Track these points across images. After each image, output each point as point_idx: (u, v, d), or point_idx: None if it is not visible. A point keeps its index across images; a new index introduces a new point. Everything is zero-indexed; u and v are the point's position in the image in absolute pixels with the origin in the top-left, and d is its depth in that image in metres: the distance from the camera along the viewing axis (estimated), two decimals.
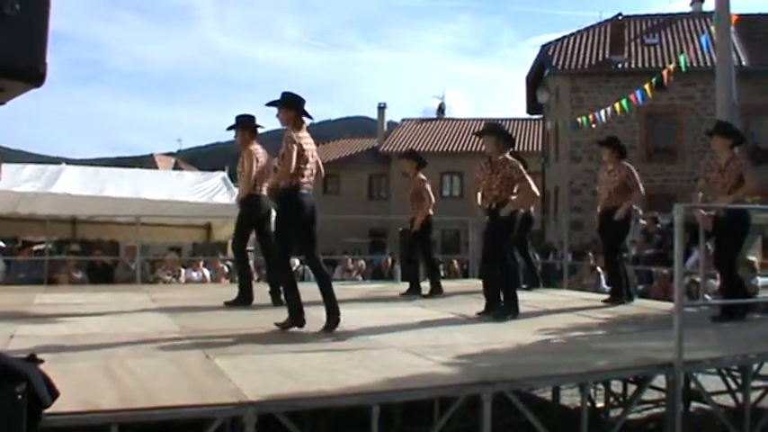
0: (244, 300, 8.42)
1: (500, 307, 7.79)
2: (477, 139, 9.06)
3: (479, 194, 8.04)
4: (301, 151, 6.82)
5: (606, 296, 9.56)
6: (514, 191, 7.81)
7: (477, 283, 9.37)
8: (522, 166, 7.88)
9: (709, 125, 8.61)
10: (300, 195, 6.82)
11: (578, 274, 14.66)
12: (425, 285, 10.21)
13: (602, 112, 20.90)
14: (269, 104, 6.98)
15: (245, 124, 8.65)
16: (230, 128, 8.71)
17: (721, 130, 8.10)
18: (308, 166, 6.90)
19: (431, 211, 10.21)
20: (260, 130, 8.73)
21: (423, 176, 10.28)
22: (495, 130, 8.11)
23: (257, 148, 8.54)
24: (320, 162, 7.19)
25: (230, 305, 8.35)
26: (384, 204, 41.52)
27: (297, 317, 6.72)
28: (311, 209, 6.90)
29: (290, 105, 6.95)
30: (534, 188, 8.05)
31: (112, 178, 14.64)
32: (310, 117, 7.08)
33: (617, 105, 19.72)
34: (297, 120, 6.95)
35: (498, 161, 7.84)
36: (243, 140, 8.60)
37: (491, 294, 7.95)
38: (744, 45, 28.15)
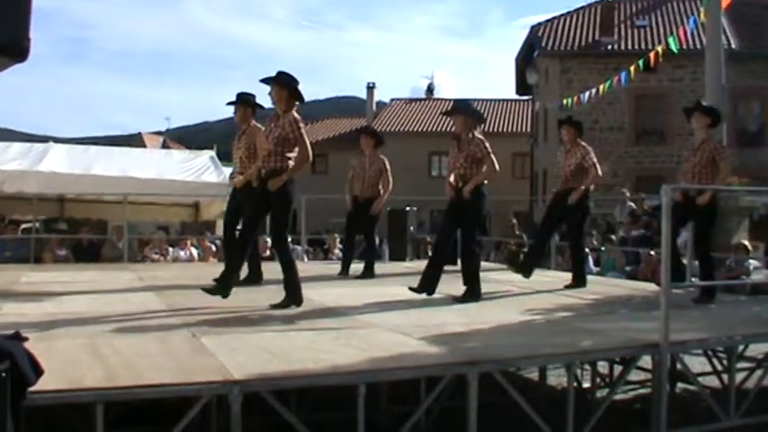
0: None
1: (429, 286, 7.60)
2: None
3: (450, 174, 7.90)
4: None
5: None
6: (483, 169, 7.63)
7: None
8: (487, 144, 7.65)
9: (687, 105, 8.45)
10: (293, 181, 6.94)
11: (566, 254, 14.67)
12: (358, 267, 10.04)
13: (587, 93, 20.89)
14: (263, 81, 6.95)
15: (246, 101, 8.65)
16: (231, 103, 8.69)
17: (702, 108, 8.04)
18: None
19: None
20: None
21: (383, 156, 10.14)
22: (463, 109, 7.95)
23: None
24: None
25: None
26: None
27: (296, 296, 6.83)
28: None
29: (286, 85, 6.91)
30: (496, 166, 7.65)
31: (100, 157, 14.56)
32: (302, 100, 7.03)
33: (601, 87, 19.71)
34: (290, 100, 6.93)
35: (464, 139, 7.68)
36: (244, 117, 8.60)
37: (433, 275, 7.67)
38: (734, 28, 28.14)
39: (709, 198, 7.53)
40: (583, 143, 9.02)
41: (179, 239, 14.58)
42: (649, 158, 29.03)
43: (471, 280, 7.71)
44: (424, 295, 7.52)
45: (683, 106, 8.68)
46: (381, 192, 10.04)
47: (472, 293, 7.61)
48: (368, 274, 9.88)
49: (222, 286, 6.75)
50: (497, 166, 7.63)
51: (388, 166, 10.09)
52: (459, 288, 7.72)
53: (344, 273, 9.98)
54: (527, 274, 8.97)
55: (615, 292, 8.78)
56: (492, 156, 7.58)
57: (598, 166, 8.85)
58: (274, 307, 6.71)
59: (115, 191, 12.52)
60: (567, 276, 10.18)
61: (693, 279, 8.30)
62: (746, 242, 12.06)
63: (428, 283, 7.63)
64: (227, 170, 15.43)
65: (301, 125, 6.86)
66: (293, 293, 6.84)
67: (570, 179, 8.88)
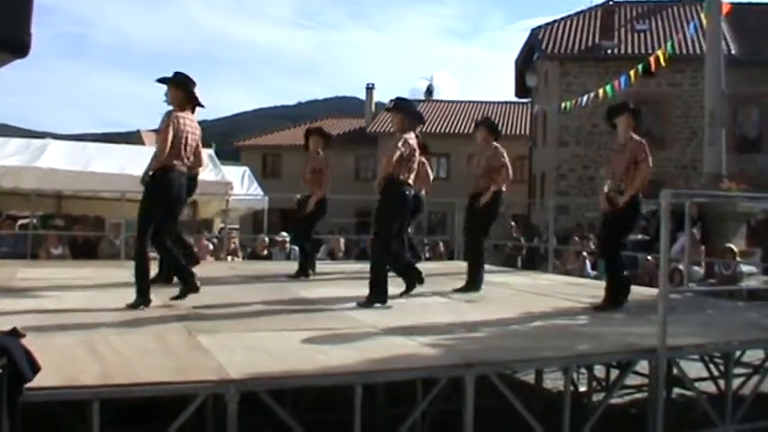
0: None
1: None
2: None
3: None
4: (178, 132, 6.71)
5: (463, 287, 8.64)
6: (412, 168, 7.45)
7: (461, 265, 9.37)
8: (403, 142, 7.31)
9: (610, 111, 8.03)
10: (169, 176, 6.70)
11: (563, 258, 14.70)
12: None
13: (585, 97, 20.89)
14: (159, 80, 6.86)
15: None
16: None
17: (619, 110, 7.66)
18: (186, 148, 6.80)
19: (327, 194, 9.81)
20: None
21: (323, 154, 9.86)
22: (404, 108, 7.74)
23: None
24: (201, 150, 7.05)
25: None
26: (370, 185, 41.21)
27: (145, 295, 6.66)
28: (179, 190, 6.82)
29: (180, 85, 6.84)
30: (384, 162, 7.33)
31: (98, 154, 14.53)
32: (201, 105, 6.95)
33: (600, 91, 19.73)
34: (183, 102, 6.85)
35: (395, 137, 7.45)
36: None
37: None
38: (734, 34, 28.17)
39: (628, 200, 7.38)
40: (495, 144, 8.76)
41: None
42: None
43: (373, 283, 7.28)
44: (431, 297, 7.55)
45: (609, 105, 8.48)
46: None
47: (374, 298, 7.19)
48: (300, 273, 9.58)
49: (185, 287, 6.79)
50: (385, 164, 7.32)
51: (322, 165, 9.78)
52: (445, 288, 7.68)
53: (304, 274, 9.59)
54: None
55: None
56: (394, 154, 7.26)
57: (509, 166, 8.64)
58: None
59: (113, 188, 12.51)
60: (564, 279, 10.20)
61: (691, 284, 8.30)
62: (733, 246, 12.07)
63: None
64: (226, 169, 15.47)
65: (173, 121, 6.68)
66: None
67: (480, 181, 8.67)
